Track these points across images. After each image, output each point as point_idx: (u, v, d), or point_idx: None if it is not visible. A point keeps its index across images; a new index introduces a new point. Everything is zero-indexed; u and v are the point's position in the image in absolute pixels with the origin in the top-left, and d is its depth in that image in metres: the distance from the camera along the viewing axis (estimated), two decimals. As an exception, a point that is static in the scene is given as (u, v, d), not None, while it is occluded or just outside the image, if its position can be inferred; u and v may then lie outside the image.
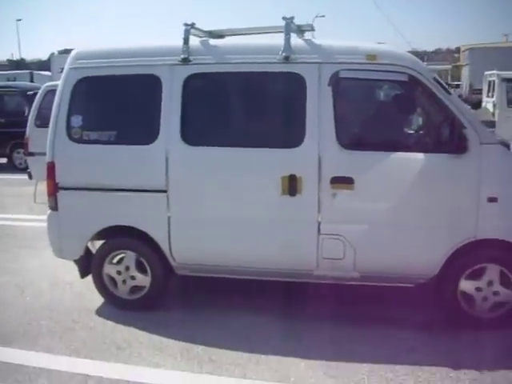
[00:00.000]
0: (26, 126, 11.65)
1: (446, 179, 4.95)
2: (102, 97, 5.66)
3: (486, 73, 16.08)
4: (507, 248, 5.01)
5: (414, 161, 4.96)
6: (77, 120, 5.52)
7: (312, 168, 5.02)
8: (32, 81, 29.13)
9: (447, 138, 4.87)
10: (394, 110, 5.30)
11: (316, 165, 5.01)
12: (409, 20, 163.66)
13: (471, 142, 4.85)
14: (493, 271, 5.06)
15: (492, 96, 14.69)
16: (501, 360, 4.58)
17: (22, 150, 15.07)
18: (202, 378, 4.47)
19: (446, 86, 5.10)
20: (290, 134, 5.15)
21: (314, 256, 5.16)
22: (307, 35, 5.70)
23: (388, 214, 5.04)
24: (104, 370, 4.59)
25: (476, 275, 5.09)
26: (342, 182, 4.99)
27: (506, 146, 5.06)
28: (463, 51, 56.28)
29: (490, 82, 15.19)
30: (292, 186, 5.05)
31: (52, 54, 50.87)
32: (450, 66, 63.31)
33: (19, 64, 63.72)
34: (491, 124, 12.92)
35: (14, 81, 26.64)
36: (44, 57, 78.65)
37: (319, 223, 5.10)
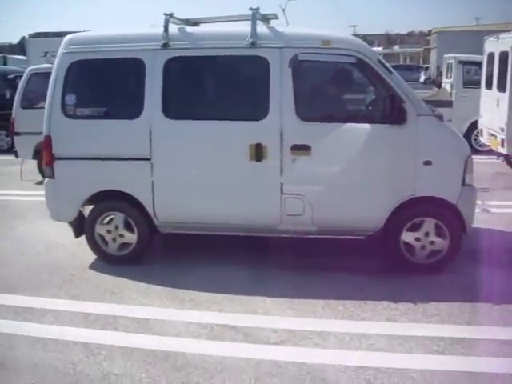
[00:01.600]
0: (6, 109, 12.30)
1: (389, 146, 5.85)
2: (92, 78, 6.46)
3: (445, 55, 16.97)
4: (441, 204, 5.95)
5: (361, 130, 5.86)
6: (70, 98, 6.28)
7: (275, 137, 5.88)
8: (5, 64, 29.35)
9: (389, 111, 5.76)
10: (344, 87, 6.22)
11: (278, 134, 5.87)
12: (382, 2, 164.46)
13: (409, 114, 5.75)
14: (429, 224, 5.99)
15: (450, 77, 15.59)
16: (432, 295, 5.51)
17: (3, 132, 15.67)
18: (183, 312, 5.34)
19: (389, 67, 5.98)
20: (256, 108, 6.01)
21: (278, 213, 6.04)
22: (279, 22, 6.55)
23: (340, 175, 5.93)
24: (101, 309, 5.42)
25: (415, 227, 6.01)
26: (301, 149, 5.87)
27: (439, 117, 5.97)
28: (432, 34, 57.24)
29: (448, 64, 16.07)
30: (258, 153, 5.90)
31: (23, 37, 50.84)
32: (421, 49, 64.27)
33: (-13, 48, 63.45)
34: (449, 103, 13.76)
35: (-14, 65, 26.92)
36: (14, 40, 78.22)
37: (282, 184, 5.97)
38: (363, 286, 5.82)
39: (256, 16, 6.01)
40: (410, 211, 5.99)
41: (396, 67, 36.58)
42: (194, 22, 6.80)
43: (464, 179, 5.89)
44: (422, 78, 39.37)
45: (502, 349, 4.54)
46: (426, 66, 48.19)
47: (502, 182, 10.91)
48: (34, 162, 11.28)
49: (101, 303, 5.57)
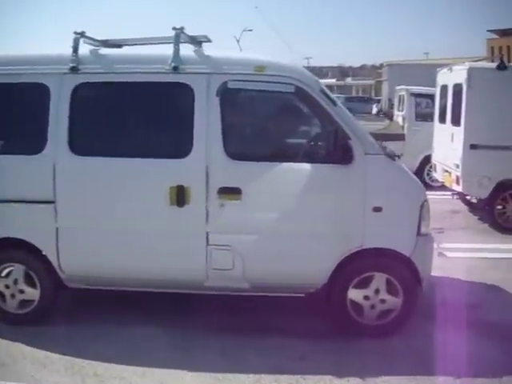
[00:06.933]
0: None
1: (333, 189, 5.10)
2: (-14, 105, 5.50)
3: (397, 88, 16.56)
4: (393, 257, 5.19)
5: (300, 171, 5.08)
6: (-40, 129, 5.34)
7: (200, 178, 5.05)
8: None
9: (332, 149, 4.99)
10: (282, 120, 5.41)
11: (204, 175, 5.05)
12: (339, 36, 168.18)
13: (356, 152, 5.00)
14: (380, 279, 5.20)
15: (402, 110, 15.15)
16: (384, 367, 4.71)
17: None
18: (83, 392, 4.39)
19: (333, 98, 5.23)
20: (178, 144, 5.20)
21: (203, 267, 5.18)
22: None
23: (276, 223, 5.12)
24: (-17, 387, 4.44)
25: (364, 283, 5.22)
26: (230, 192, 5.05)
27: (391, 156, 5.22)
28: (384, 67, 58.11)
29: (400, 96, 15.65)
30: (180, 196, 5.06)
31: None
32: (373, 82, 65.59)
33: None
34: (401, 137, 13.29)
35: None
36: None
37: (207, 234, 5.14)
38: (303, 353, 4.98)
39: (180, 37, 5.18)
40: (357, 265, 5.20)
41: (349, 99, 37.31)
42: (115, 44, 5.92)
43: (419, 228, 5.17)
44: (375, 110, 39.62)
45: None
46: (378, 98, 48.67)
47: (458, 221, 10.33)
48: None
49: (-15, 379, 4.57)
